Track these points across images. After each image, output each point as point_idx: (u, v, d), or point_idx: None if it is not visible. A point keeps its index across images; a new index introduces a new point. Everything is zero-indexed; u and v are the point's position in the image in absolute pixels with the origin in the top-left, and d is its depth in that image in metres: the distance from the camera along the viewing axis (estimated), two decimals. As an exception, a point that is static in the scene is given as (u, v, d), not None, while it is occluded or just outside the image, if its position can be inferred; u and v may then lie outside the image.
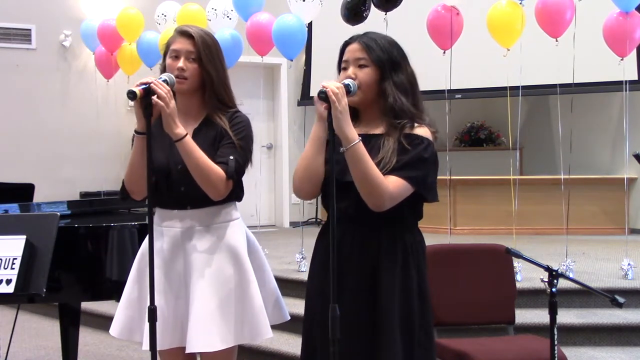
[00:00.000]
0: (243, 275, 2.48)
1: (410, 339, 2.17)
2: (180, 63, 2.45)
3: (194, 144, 2.37)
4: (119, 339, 2.62)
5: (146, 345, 2.34)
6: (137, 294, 2.54)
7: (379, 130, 2.23)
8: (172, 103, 2.31)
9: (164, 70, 2.52)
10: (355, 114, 2.28)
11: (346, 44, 2.29)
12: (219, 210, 2.51)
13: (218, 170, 2.39)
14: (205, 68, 2.47)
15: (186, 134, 2.36)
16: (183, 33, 2.50)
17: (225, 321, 2.43)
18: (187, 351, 2.42)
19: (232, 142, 2.46)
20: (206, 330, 2.40)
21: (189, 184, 2.42)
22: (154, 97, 2.26)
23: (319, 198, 2.34)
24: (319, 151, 2.19)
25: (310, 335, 2.31)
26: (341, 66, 2.28)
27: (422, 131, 2.20)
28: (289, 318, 2.73)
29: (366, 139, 2.19)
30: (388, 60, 2.23)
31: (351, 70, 2.22)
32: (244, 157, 2.48)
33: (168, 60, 2.49)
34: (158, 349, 2.31)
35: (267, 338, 2.56)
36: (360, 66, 2.22)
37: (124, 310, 2.56)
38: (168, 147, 2.45)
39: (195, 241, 2.48)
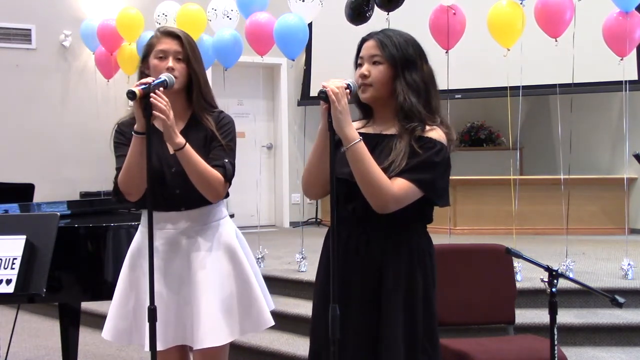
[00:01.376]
0: (240, 270, 2.54)
1: (413, 345, 2.15)
2: (170, 63, 2.45)
3: (192, 152, 2.39)
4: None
5: (148, 347, 2.34)
6: (134, 296, 2.55)
7: (392, 131, 2.21)
8: (172, 114, 2.31)
9: (142, 72, 2.51)
10: (371, 113, 2.29)
11: (364, 40, 2.27)
12: (212, 210, 2.54)
13: (217, 174, 2.43)
14: (193, 68, 2.48)
15: (185, 143, 2.36)
16: (169, 34, 2.50)
17: (229, 315, 2.48)
18: (196, 348, 2.45)
19: (222, 145, 2.49)
20: (212, 326, 2.43)
21: (184, 187, 2.44)
22: (154, 112, 2.26)
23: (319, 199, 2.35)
24: (323, 159, 2.15)
25: (314, 336, 2.30)
26: (357, 62, 2.27)
27: (435, 134, 2.17)
28: (274, 307, 2.73)
29: (379, 138, 2.19)
30: (401, 58, 2.20)
31: (365, 67, 2.21)
32: (234, 157, 2.53)
33: (154, 61, 2.47)
34: (159, 349, 2.31)
35: (267, 338, 2.57)
36: (375, 63, 2.20)
37: (116, 314, 2.56)
38: (161, 150, 2.46)
39: (191, 241, 2.50)
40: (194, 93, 2.51)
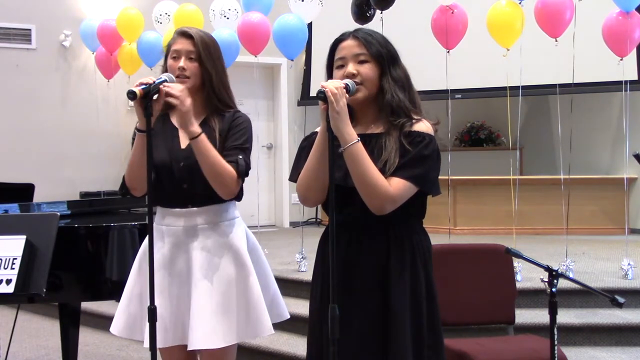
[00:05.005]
0: (244, 274, 2.50)
1: (420, 341, 2.14)
2: (181, 62, 2.49)
3: (208, 143, 2.39)
4: (119, 338, 2.63)
5: (147, 344, 2.35)
6: (139, 291, 2.56)
7: (378, 130, 2.18)
8: (189, 101, 2.33)
9: (165, 71, 2.55)
10: (351, 114, 2.18)
11: (338, 41, 2.22)
12: (220, 209, 2.53)
13: (229, 168, 2.42)
14: (205, 66, 2.50)
15: (201, 132, 2.37)
16: (183, 34, 2.54)
17: (227, 319, 2.45)
18: (189, 348, 2.43)
19: (237, 144, 2.48)
20: (208, 328, 2.41)
21: (191, 182, 2.44)
22: (169, 98, 2.27)
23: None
24: (322, 161, 2.10)
25: (314, 340, 2.29)
26: (333, 65, 2.21)
27: (422, 126, 2.15)
28: (289, 316, 2.73)
29: (365, 139, 2.14)
30: (387, 54, 2.18)
31: (351, 67, 2.15)
32: (249, 156, 2.52)
33: (169, 61, 2.53)
34: (159, 346, 2.32)
35: (267, 338, 2.56)
36: (361, 62, 2.16)
37: (125, 308, 2.57)
38: (170, 144, 2.47)
39: (196, 240, 2.50)
40: (205, 92, 2.53)
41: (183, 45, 2.51)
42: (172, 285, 2.49)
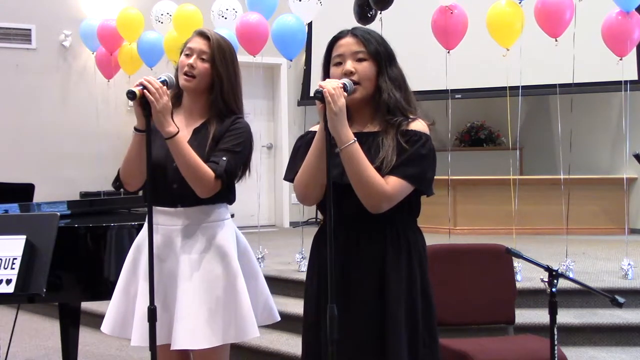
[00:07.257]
0: (231, 275, 2.49)
1: (415, 339, 2.14)
2: (191, 60, 2.49)
3: (184, 143, 2.38)
4: (119, 338, 2.63)
5: (134, 342, 2.40)
6: (129, 288, 2.56)
7: (375, 128, 2.18)
8: (164, 100, 2.30)
9: (177, 69, 2.56)
10: (347, 113, 2.15)
11: (336, 38, 2.21)
12: (210, 210, 2.53)
13: (207, 169, 2.40)
14: (217, 70, 2.50)
15: (177, 132, 2.35)
16: (200, 34, 2.55)
17: (212, 320, 2.44)
18: (172, 348, 2.43)
19: (226, 147, 2.47)
20: (192, 328, 2.41)
21: (181, 182, 2.44)
22: (145, 92, 2.27)
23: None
24: (320, 160, 2.08)
25: (310, 340, 2.29)
26: (330, 63, 2.20)
27: (418, 126, 2.15)
28: (279, 319, 2.72)
29: (362, 137, 2.14)
30: (384, 52, 2.18)
31: (350, 64, 2.15)
32: (237, 160, 2.49)
33: (181, 57, 2.53)
34: (143, 344, 2.32)
35: (267, 338, 2.56)
36: (359, 60, 2.15)
37: (115, 306, 2.58)
38: (165, 144, 2.47)
39: (185, 239, 2.50)
40: (213, 95, 2.53)
41: (198, 44, 2.51)
42: (160, 284, 2.48)
